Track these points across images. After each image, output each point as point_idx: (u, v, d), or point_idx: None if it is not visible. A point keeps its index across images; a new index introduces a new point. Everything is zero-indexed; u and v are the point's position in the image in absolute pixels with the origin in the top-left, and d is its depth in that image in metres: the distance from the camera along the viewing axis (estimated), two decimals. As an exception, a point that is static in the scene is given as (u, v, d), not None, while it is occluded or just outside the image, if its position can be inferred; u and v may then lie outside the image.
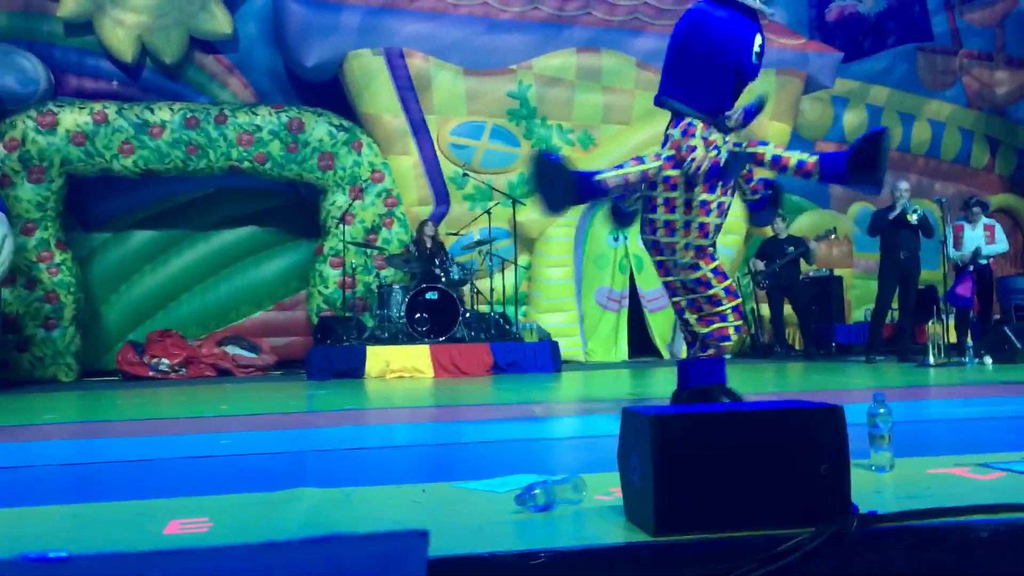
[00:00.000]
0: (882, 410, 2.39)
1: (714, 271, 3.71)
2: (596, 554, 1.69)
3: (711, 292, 3.71)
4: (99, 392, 7.65)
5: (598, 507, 2.03)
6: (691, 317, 3.80)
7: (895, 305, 8.84)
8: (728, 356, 3.82)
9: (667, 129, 3.85)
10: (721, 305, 3.73)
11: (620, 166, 3.76)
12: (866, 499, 1.89)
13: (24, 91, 9.28)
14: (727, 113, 3.64)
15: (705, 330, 3.76)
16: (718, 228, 3.73)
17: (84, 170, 9.43)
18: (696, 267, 3.69)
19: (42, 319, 9.19)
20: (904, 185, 8.69)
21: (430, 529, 1.91)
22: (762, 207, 3.83)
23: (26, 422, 5.00)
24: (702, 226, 3.66)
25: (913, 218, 8.43)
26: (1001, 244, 9.00)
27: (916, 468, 2.40)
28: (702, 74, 3.69)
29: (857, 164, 3.40)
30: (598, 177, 3.63)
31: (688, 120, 3.69)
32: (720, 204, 3.69)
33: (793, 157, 3.58)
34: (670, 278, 3.82)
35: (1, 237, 7.99)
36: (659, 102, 3.87)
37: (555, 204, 3.58)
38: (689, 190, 3.64)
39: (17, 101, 9.24)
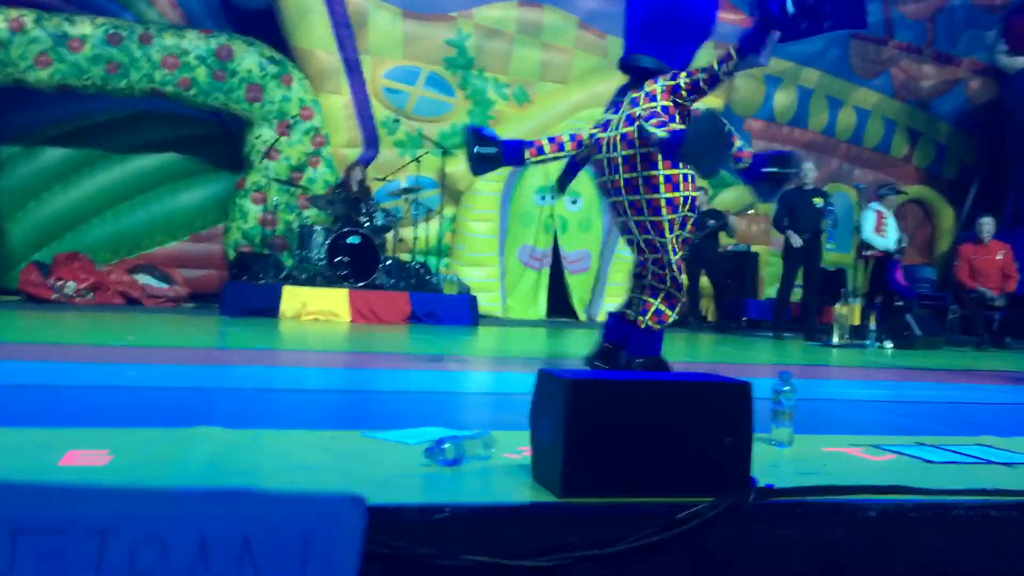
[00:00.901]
0: (787, 387, 2.46)
1: (676, 237, 3.69)
2: (501, 512, 1.71)
3: (665, 258, 3.68)
4: (-1, 312, 7.37)
5: (506, 465, 2.05)
6: (642, 279, 3.81)
7: (799, 282, 9.09)
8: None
9: (630, 91, 3.78)
10: (664, 276, 3.73)
11: (560, 146, 3.79)
12: (764, 472, 1.95)
13: (-66, -11, 8.75)
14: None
15: (647, 298, 3.77)
16: (688, 179, 3.67)
17: (-5, 78, 8.97)
18: (659, 229, 3.66)
19: (-59, 231, 8.80)
20: (809, 165, 8.97)
21: (338, 476, 1.90)
22: (760, 178, 3.67)
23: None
24: (669, 178, 3.64)
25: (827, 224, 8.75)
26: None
27: (813, 445, 2.48)
28: (681, 33, 3.65)
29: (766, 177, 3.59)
30: (527, 156, 3.74)
31: (673, 73, 3.65)
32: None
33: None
34: (630, 236, 3.79)
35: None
36: (629, 60, 3.78)
37: (478, 168, 3.72)
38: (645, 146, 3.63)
39: (-74, -1, 8.72)
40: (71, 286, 8.91)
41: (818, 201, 8.80)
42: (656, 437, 1.80)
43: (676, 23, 3.66)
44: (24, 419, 2.47)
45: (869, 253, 9.18)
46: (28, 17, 8.92)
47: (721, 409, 1.83)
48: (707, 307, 11.39)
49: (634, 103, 3.74)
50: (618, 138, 3.73)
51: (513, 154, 3.75)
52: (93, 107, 9.77)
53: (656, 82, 3.69)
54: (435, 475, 1.94)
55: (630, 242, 3.86)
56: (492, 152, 3.67)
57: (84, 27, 9.07)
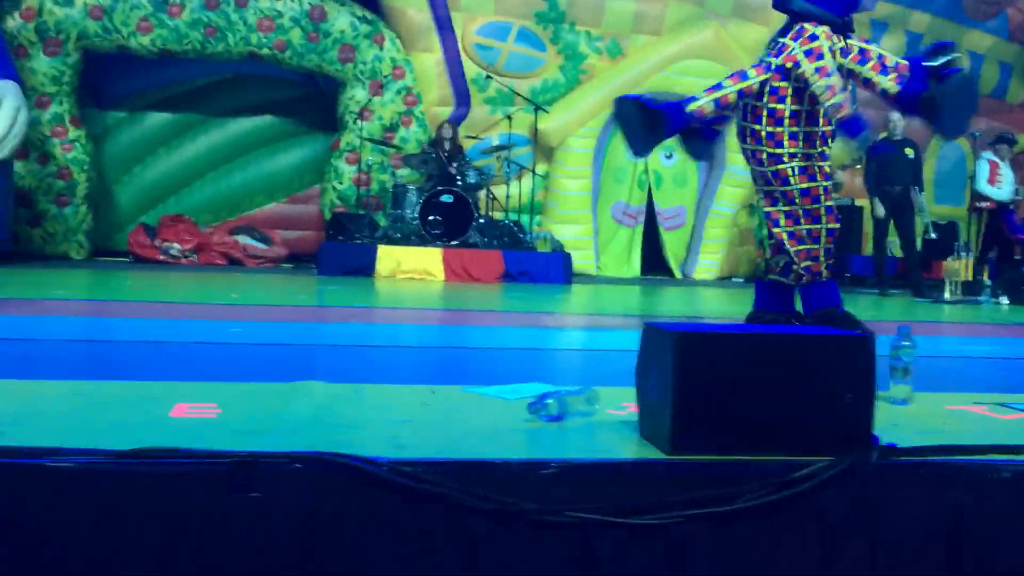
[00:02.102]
0: (906, 342, 2.34)
1: (824, 188, 3.42)
2: (608, 468, 1.67)
3: (815, 207, 3.35)
4: (110, 272, 7.66)
5: (611, 421, 2.00)
6: (784, 232, 3.47)
7: (892, 238, 8.70)
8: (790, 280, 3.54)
9: (778, 36, 3.37)
10: (819, 223, 3.43)
11: (717, 86, 3.40)
12: (884, 431, 1.85)
13: (42, -40, 9.02)
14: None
15: (796, 248, 3.46)
16: (826, 137, 3.40)
17: (101, 46, 9.22)
18: (801, 178, 3.32)
19: (54, 195, 9.14)
20: (896, 115, 8.36)
21: (440, 431, 1.88)
22: (859, 130, 3.25)
23: (37, 296, 5.00)
24: (808, 136, 3.37)
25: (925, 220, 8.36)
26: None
27: (934, 404, 2.36)
28: None
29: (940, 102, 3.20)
30: (691, 107, 3.37)
31: (812, 30, 3.24)
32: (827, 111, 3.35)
33: (882, 84, 3.27)
34: (770, 187, 3.44)
35: (14, 108, 7.87)
36: (780, 3, 3.38)
37: (639, 146, 3.40)
38: (799, 102, 3.34)
39: (35, -30, 8.99)
40: (176, 247, 9.19)
41: (909, 152, 8.37)
42: (770, 393, 1.72)
43: None
44: (135, 373, 2.53)
45: (983, 205, 8.73)
46: (130, -16, 9.13)
47: (841, 363, 1.73)
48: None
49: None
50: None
51: (673, 111, 3.41)
52: (193, 71, 9.98)
53: (798, 36, 3.26)
54: (539, 430, 1.90)
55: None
56: (644, 117, 3.35)
57: (183, -8, 9.24)
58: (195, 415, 1.91)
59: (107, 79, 9.80)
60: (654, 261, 10.63)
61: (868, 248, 11.37)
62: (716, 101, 3.29)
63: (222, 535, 1.51)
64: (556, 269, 8.55)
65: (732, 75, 3.34)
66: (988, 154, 8.89)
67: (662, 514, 1.61)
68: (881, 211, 8.39)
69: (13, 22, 8.91)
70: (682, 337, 1.71)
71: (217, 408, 1.97)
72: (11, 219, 8.58)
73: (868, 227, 11.49)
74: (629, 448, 1.78)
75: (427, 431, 1.87)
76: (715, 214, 10.54)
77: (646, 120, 3.29)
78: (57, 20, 8.96)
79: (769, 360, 1.73)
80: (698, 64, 9.72)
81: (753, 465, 1.66)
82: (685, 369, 1.70)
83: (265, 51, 9.47)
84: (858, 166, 9.66)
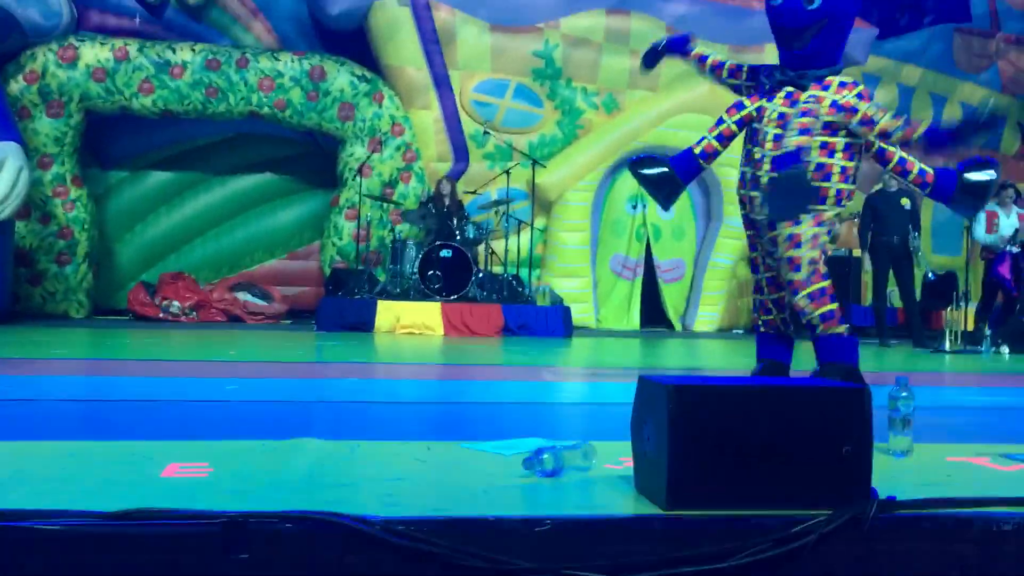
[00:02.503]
0: (904, 393, 2.32)
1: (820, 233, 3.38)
2: (604, 524, 1.64)
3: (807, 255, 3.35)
4: (109, 331, 7.65)
5: (608, 476, 1.98)
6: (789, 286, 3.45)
7: (892, 287, 8.71)
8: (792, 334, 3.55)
9: (798, 94, 3.34)
10: (805, 276, 3.40)
11: (718, 122, 3.43)
12: (884, 484, 1.82)
13: (47, 24, 9.16)
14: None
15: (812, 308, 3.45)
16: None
17: (103, 107, 9.34)
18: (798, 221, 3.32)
19: (55, 254, 9.17)
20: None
21: (435, 488, 1.86)
22: (959, 190, 3.31)
23: (35, 356, 4.99)
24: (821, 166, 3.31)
25: (907, 202, 8.36)
26: None
27: (935, 455, 2.33)
28: (846, 29, 3.39)
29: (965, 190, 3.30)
30: (698, 148, 3.45)
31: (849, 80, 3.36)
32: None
33: (915, 167, 3.38)
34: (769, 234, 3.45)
35: (16, 169, 7.94)
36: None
37: (663, 200, 3.52)
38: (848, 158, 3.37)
39: (40, 34, 9.13)
40: (176, 305, 9.19)
41: (905, 203, 8.44)
42: (768, 446, 1.70)
43: (847, 18, 3.36)
44: (129, 432, 2.51)
45: (987, 255, 8.76)
46: (132, 46, 9.27)
47: (838, 415, 1.72)
48: (807, 314, 11.02)
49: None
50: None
51: (684, 164, 3.45)
52: (194, 131, 10.09)
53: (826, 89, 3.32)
54: (534, 486, 1.88)
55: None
56: (661, 172, 3.43)
57: (184, 54, 9.38)
58: (186, 475, 1.88)
59: (109, 139, 9.91)
60: (654, 314, 10.63)
61: (868, 298, 11.36)
62: (720, 136, 3.39)
63: (212, 598, 1.49)
64: (556, 322, 8.54)
65: (729, 108, 3.42)
66: (991, 204, 8.93)
67: (660, 571, 1.58)
68: (868, 266, 8.45)
69: (16, 85, 9.04)
70: (677, 390, 1.70)
71: (209, 467, 1.95)
72: (11, 279, 8.60)
73: (867, 277, 11.51)
74: (626, 504, 1.76)
75: (421, 488, 1.85)
76: (714, 266, 10.56)
77: (662, 176, 3.39)
78: (60, 82, 9.09)
79: (765, 413, 1.71)
80: (693, 119, 9.81)
81: (751, 520, 1.64)
82: (681, 422, 1.68)
83: (266, 110, 9.59)
84: (855, 218, 9.69)
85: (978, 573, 1.69)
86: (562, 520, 1.61)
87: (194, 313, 9.22)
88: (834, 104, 3.27)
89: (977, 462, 2.26)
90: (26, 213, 8.92)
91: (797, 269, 3.37)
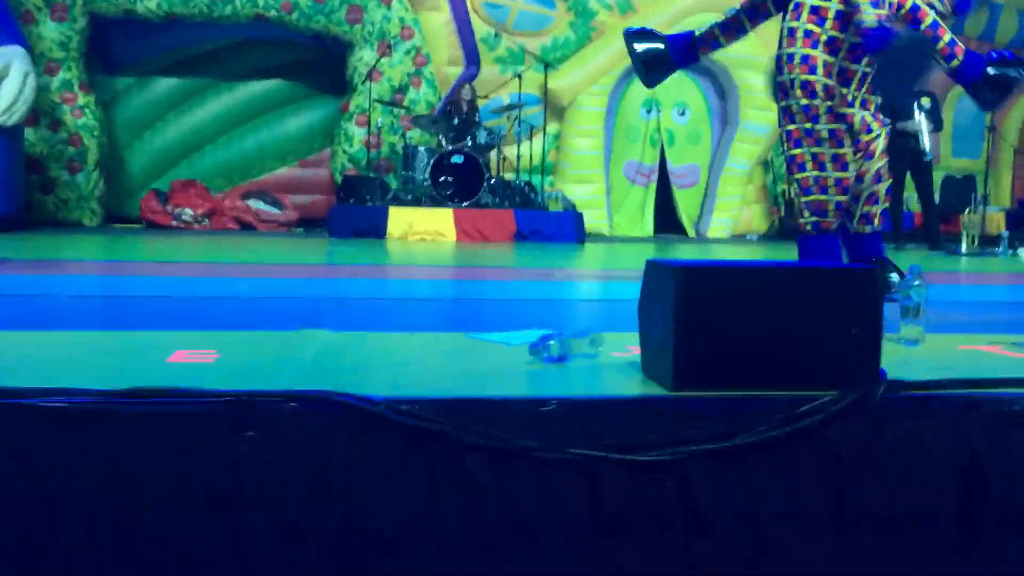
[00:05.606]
0: (916, 282, 2.29)
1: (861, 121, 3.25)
2: (609, 405, 1.64)
3: (840, 151, 3.21)
4: (122, 237, 7.66)
5: (615, 362, 1.97)
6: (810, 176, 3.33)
7: (909, 192, 8.56)
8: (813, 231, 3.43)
9: None
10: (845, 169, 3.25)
11: (728, 11, 3.35)
12: (894, 370, 1.80)
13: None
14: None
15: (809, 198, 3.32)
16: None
17: (107, 10, 9.16)
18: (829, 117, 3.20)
19: (66, 162, 9.13)
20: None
21: (441, 372, 1.86)
22: (984, 81, 3.12)
23: (50, 257, 5.00)
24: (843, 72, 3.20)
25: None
26: None
27: (947, 343, 2.31)
28: None
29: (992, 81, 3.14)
30: (700, 32, 3.34)
31: None
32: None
33: (948, 36, 3.19)
34: (804, 125, 3.28)
35: (23, 74, 7.84)
36: None
37: (649, 80, 3.38)
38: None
39: (39, -65, 8.92)
40: (188, 212, 9.18)
41: (926, 102, 8.24)
42: (775, 328, 1.68)
43: None
44: (138, 324, 2.52)
45: None
46: (135, -53, 9.04)
47: (847, 298, 1.69)
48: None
49: None
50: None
51: (682, 48, 3.36)
52: (200, 35, 9.89)
53: None
54: (541, 371, 1.87)
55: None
56: (658, 49, 3.32)
57: (188, -45, 9.15)
58: (193, 360, 1.89)
59: (115, 44, 9.74)
60: (667, 220, 10.54)
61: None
62: (725, 24, 3.28)
63: (218, 475, 1.50)
64: (568, 228, 8.49)
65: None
66: None
67: (665, 450, 1.58)
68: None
69: (19, -12, 8.86)
70: (684, 272, 1.67)
71: (216, 354, 1.95)
72: (24, 186, 8.59)
73: (885, 182, 11.33)
74: (632, 386, 1.75)
75: (427, 373, 1.85)
76: (729, 172, 10.41)
77: (656, 53, 3.27)
78: (62, -16, 8.91)
79: (773, 294, 1.69)
80: (710, 18, 9.55)
81: (758, 400, 1.63)
82: (688, 304, 1.66)
83: (272, 13, 9.38)
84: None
85: (987, 454, 1.68)
86: (567, 401, 1.60)
87: (206, 220, 9.21)
88: None
89: (989, 349, 2.24)
90: (35, 120, 8.84)
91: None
